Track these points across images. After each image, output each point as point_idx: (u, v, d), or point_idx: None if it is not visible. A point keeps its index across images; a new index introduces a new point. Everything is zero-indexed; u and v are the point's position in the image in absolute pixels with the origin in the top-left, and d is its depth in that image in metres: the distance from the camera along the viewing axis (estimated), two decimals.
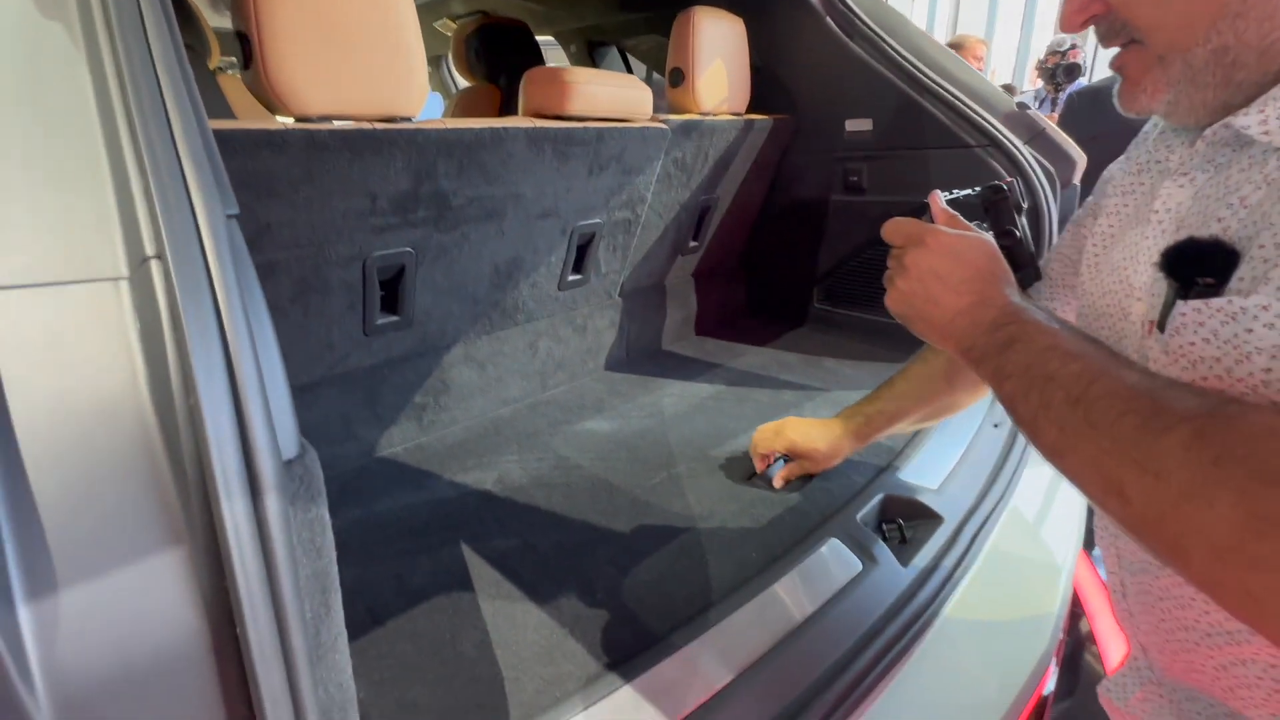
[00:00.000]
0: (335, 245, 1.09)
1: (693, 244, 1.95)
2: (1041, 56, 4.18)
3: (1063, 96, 3.96)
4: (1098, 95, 2.48)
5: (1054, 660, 0.98)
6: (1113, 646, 1.48)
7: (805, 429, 1.17)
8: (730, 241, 2.13)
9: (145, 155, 0.39)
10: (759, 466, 1.21)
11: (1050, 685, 1.01)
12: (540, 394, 1.63)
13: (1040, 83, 4.29)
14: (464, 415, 1.47)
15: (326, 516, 0.43)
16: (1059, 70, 3.92)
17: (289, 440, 0.41)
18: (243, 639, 0.35)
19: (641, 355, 1.90)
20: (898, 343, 1.88)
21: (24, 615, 0.31)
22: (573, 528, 1.09)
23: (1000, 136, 1.54)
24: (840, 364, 1.80)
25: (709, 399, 1.60)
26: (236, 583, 0.34)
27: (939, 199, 0.65)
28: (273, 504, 0.36)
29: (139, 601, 0.34)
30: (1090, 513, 1.12)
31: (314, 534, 0.41)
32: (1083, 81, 4.14)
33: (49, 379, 0.34)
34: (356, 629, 0.87)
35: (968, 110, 1.58)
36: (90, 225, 0.40)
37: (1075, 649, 1.47)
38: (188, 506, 0.35)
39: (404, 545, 1.06)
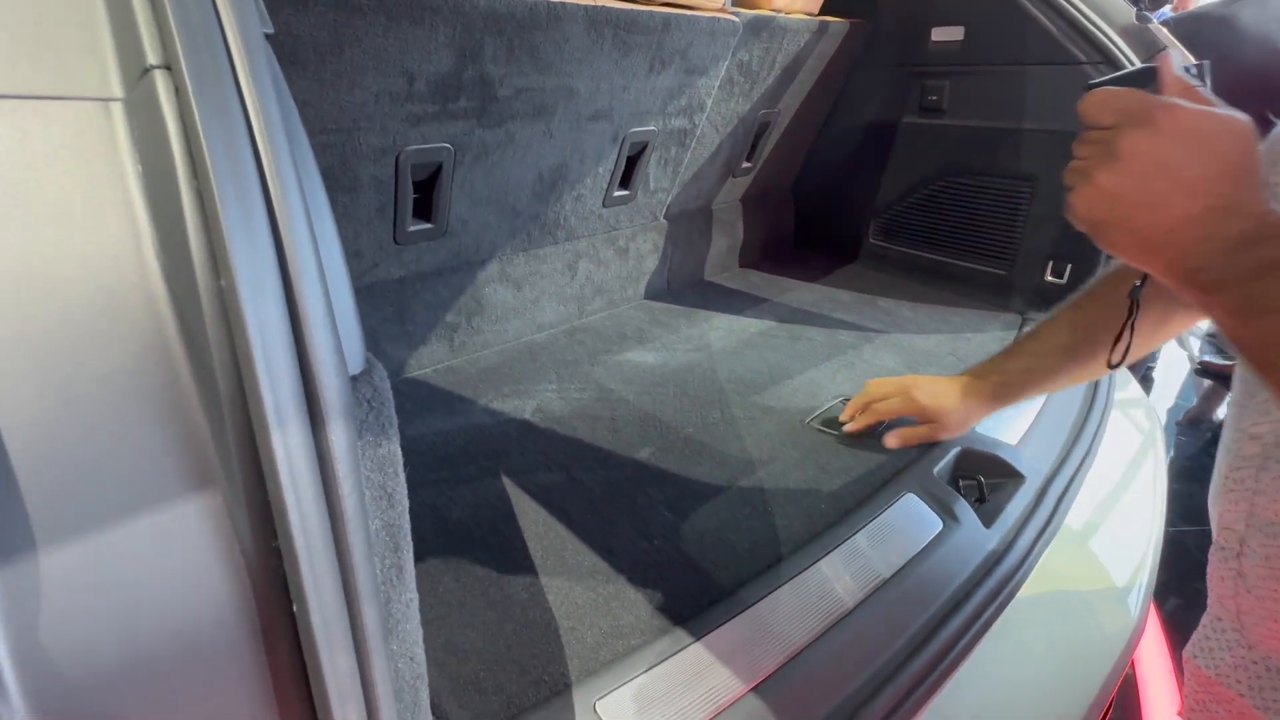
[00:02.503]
0: (366, 134, 0.95)
1: (745, 165, 1.78)
2: None
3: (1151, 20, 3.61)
4: (1201, 21, 2.22)
5: (1143, 631, 0.91)
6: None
7: (934, 390, 1.00)
8: (783, 165, 1.96)
9: None
10: (856, 426, 1.05)
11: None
12: (577, 320, 1.51)
13: None
14: (497, 338, 1.37)
15: (399, 453, 0.32)
16: None
17: (355, 347, 0.30)
18: (302, 617, 0.25)
19: (683, 285, 1.77)
20: (959, 285, 1.74)
21: None
22: (622, 465, 1.01)
23: (1117, 53, 1.34)
24: (898, 305, 1.67)
25: (758, 335, 1.49)
26: (294, 542, 0.24)
27: (1173, 60, 0.49)
28: (338, 435, 0.25)
29: (153, 567, 0.24)
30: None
31: (385, 476, 0.31)
32: (1166, 10, 3.77)
33: (7, 237, 0.23)
34: None
35: (1082, 19, 1.38)
36: (64, 25, 0.27)
37: None
38: (220, 436, 0.24)
39: (440, 474, 0.97)
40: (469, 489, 0.94)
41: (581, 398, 1.20)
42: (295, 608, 0.25)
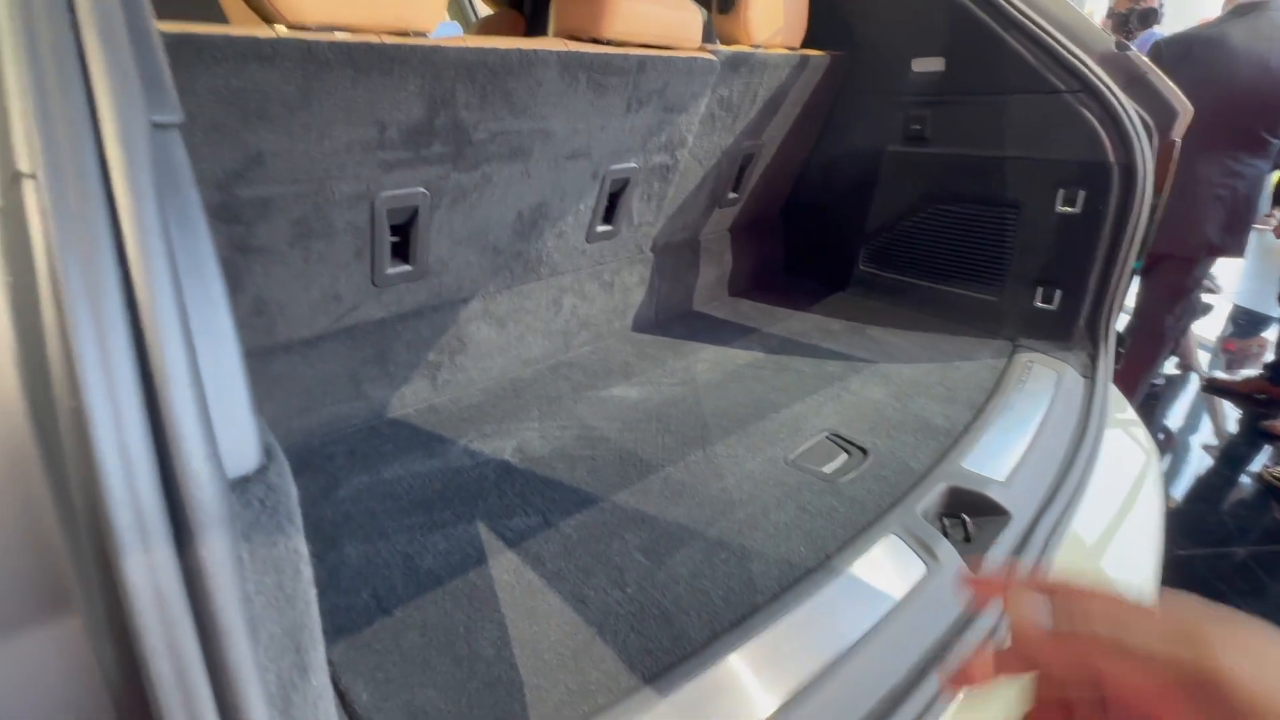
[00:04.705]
0: (339, 182, 0.96)
1: (732, 195, 1.78)
2: (1112, 1, 3.82)
3: (1137, 44, 3.63)
4: (1191, 44, 2.22)
5: None
6: None
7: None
8: (771, 194, 1.96)
9: (16, 25, 0.26)
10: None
11: None
12: (563, 355, 1.51)
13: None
14: (481, 376, 1.36)
15: (303, 548, 0.31)
16: (1133, 16, 3.57)
17: (246, 448, 0.29)
18: None
19: (671, 316, 1.76)
20: (948, 311, 1.73)
21: None
22: (599, 508, 0.99)
23: (1095, 80, 1.35)
24: (888, 333, 1.66)
25: (746, 367, 1.48)
26: (153, 666, 0.23)
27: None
28: (211, 548, 0.24)
29: (7, 699, 0.23)
30: None
31: (283, 577, 0.30)
32: (1156, 30, 3.79)
33: None
34: (360, 618, 0.78)
35: (1059, 49, 1.38)
36: None
37: None
38: (79, 558, 0.23)
39: (415, 519, 0.96)
40: (442, 535, 0.93)
41: (562, 436, 1.19)
42: None
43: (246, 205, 0.90)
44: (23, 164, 0.25)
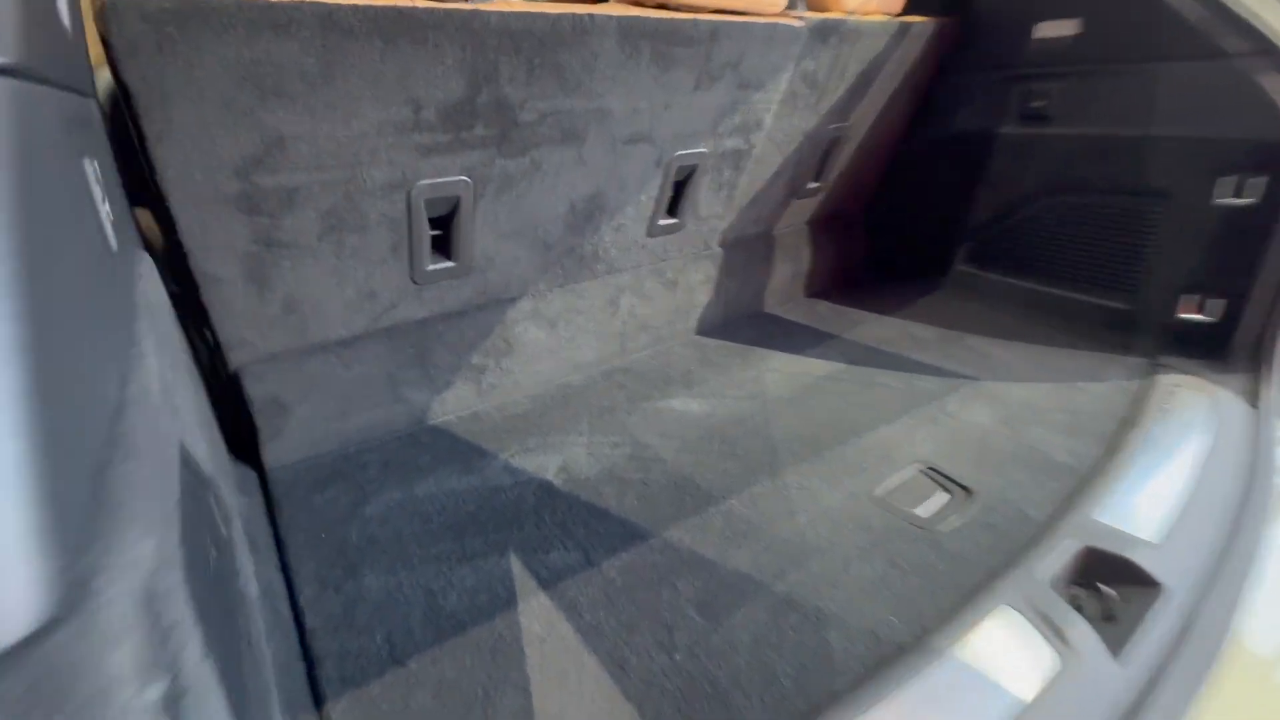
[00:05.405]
0: (370, 169, 0.87)
1: (812, 185, 1.60)
2: None
3: None
4: None
5: None
6: None
7: None
8: (857, 183, 1.76)
9: None
10: None
11: None
12: (619, 360, 1.38)
13: None
14: (529, 381, 1.25)
15: None
16: None
17: (14, 598, 0.17)
18: None
19: (740, 319, 1.60)
20: (1066, 320, 1.48)
21: None
22: (648, 546, 0.86)
23: (1278, 44, 1.08)
24: (990, 344, 1.43)
25: (824, 380, 1.30)
26: None
27: None
28: None
29: None
30: None
31: None
32: None
33: None
34: (371, 667, 0.68)
35: (1231, 4, 1.12)
36: None
37: None
38: None
39: (444, 547, 0.86)
40: (471, 569, 0.82)
41: (613, 455, 1.06)
42: None
43: (270, 195, 0.81)
44: None
